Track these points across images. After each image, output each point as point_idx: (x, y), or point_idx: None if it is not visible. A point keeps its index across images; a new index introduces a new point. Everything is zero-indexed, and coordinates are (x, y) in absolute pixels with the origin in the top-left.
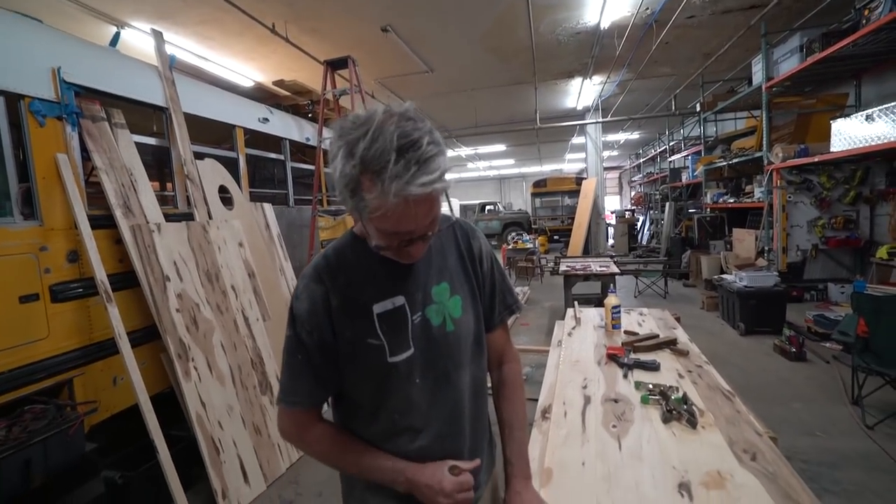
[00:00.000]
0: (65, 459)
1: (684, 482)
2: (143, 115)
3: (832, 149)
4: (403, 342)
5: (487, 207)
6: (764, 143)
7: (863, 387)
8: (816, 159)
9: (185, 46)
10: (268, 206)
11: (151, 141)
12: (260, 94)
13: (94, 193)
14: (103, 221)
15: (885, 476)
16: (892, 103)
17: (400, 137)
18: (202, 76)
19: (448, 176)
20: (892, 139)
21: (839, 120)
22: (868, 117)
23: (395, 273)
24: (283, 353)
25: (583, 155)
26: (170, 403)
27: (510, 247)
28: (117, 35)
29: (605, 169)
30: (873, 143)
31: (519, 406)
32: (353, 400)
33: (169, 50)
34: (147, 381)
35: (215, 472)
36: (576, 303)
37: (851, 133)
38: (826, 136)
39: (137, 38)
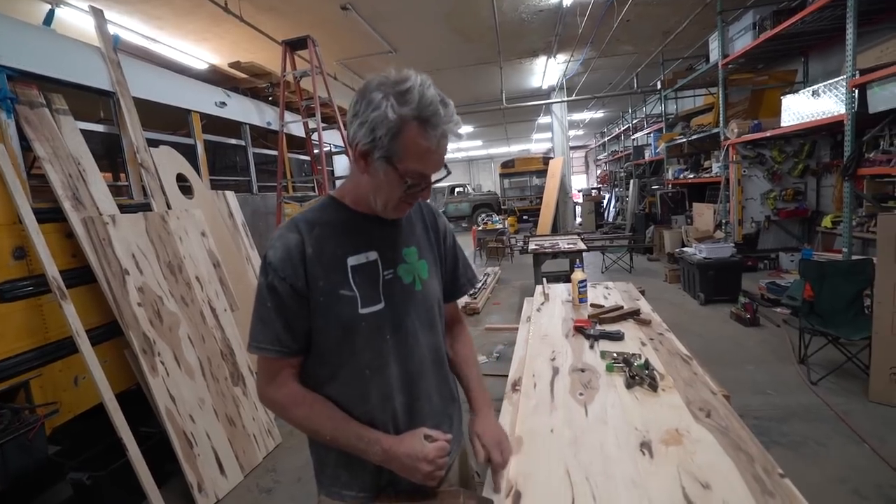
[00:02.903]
0: (26, 464)
1: (645, 441)
2: (89, 101)
3: (782, 123)
4: (375, 295)
5: (457, 190)
6: (721, 119)
7: (808, 347)
8: (768, 134)
9: (131, 27)
10: (230, 194)
11: (100, 128)
12: (215, 77)
13: (39, 185)
14: (51, 215)
15: (825, 426)
16: (835, 79)
17: (440, 95)
18: (151, 58)
19: None
20: (835, 114)
21: (789, 96)
22: (814, 93)
23: (368, 231)
24: (254, 303)
25: (549, 134)
26: (138, 400)
27: (480, 228)
28: (51, 13)
29: (572, 148)
30: (819, 118)
31: (471, 350)
32: (325, 360)
33: (112, 30)
34: (112, 379)
35: (189, 465)
36: (545, 280)
37: (799, 108)
38: (777, 111)
39: (74, 17)
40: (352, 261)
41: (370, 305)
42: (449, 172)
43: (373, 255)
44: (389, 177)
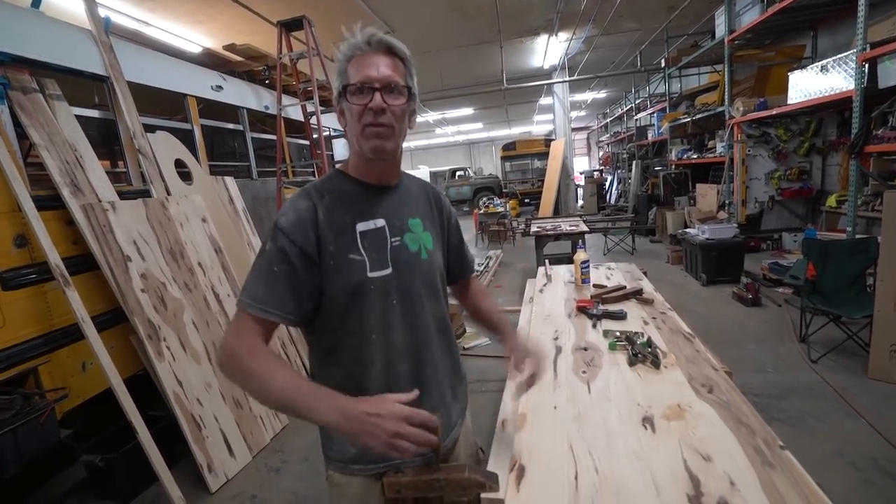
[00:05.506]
0: (39, 448)
1: (648, 416)
2: (83, 86)
3: (789, 101)
4: (383, 260)
5: (458, 173)
6: (726, 97)
7: (809, 325)
8: (774, 112)
9: (122, 9)
10: (230, 180)
11: (95, 114)
12: (211, 61)
13: (37, 173)
14: (50, 202)
15: (823, 402)
16: (844, 53)
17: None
18: (144, 42)
19: (416, 143)
20: (844, 90)
21: (796, 72)
22: (822, 68)
23: (375, 200)
24: (254, 265)
25: (551, 116)
26: (146, 385)
27: (482, 211)
28: None
29: (574, 130)
30: (826, 95)
31: (492, 299)
32: (333, 326)
33: (102, 12)
34: (119, 364)
35: (199, 447)
36: (547, 261)
37: (807, 85)
38: (784, 88)
39: None
40: (360, 226)
41: (378, 270)
42: (412, 94)
43: (380, 223)
44: (349, 103)
